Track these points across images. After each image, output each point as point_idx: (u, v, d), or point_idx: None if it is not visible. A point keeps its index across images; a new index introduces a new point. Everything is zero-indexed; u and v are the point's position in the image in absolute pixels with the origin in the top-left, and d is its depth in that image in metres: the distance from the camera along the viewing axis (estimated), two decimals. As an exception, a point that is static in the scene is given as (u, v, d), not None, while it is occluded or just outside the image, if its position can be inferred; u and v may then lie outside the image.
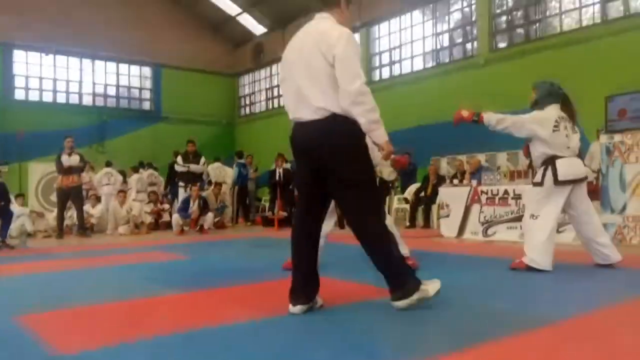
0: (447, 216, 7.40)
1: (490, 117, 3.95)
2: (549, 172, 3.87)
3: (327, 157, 2.55)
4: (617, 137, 5.92)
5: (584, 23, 10.59)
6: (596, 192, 6.62)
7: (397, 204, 10.36)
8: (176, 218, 9.15)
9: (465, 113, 3.98)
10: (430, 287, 2.66)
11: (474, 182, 7.34)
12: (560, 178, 3.83)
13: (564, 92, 4.05)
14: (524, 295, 3.13)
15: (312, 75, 2.55)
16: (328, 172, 2.58)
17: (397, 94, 13.35)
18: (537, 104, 4.03)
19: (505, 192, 6.69)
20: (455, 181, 8.47)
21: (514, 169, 8.29)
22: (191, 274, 4.25)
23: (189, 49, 18.16)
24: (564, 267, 3.94)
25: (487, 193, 6.92)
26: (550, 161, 3.89)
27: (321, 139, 2.55)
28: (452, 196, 7.42)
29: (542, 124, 3.89)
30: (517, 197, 6.52)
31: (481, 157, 10.19)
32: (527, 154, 4.20)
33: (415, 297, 2.59)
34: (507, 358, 1.90)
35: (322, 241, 2.94)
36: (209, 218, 9.24)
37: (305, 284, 2.64)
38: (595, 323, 2.39)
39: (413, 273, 2.66)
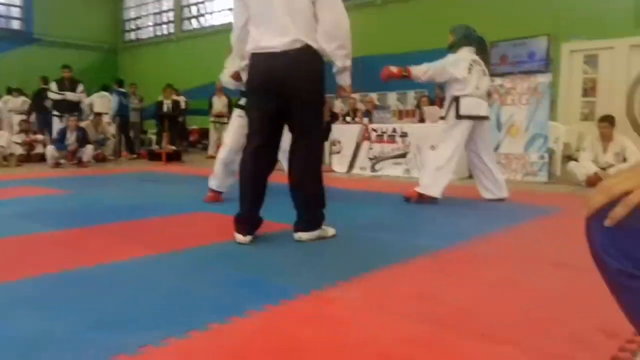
0: (339, 152, 7.56)
1: (417, 70, 4.18)
2: (453, 107, 4.15)
3: (299, 86, 2.62)
4: (498, 81, 6.31)
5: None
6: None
7: (290, 140, 10.35)
8: (51, 150, 8.39)
9: (394, 69, 4.16)
10: (329, 229, 2.81)
11: (366, 120, 7.52)
12: (461, 112, 4.11)
13: (479, 36, 4.27)
14: (409, 227, 3.30)
15: (293, 9, 2.58)
16: (295, 100, 2.63)
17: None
18: (453, 47, 4.23)
19: (394, 130, 6.93)
20: (348, 119, 8.61)
21: (403, 109, 8.59)
22: (73, 211, 3.94)
23: (67, -40, 16.15)
24: (452, 201, 4.21)
25: (377, 131, 7.13)
26: (457, 99, 4.15)
27: (297, 68, 2.60)
28: (344, 133, 7.56)
29: (457, 66, 4.12)
30: (404, 135, 6.80)
31: (373, 96, 10.41)
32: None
33: (317, 232, 2.73)
34: (389, 285, 1.98)
35: None
36: (88, 150, 8.60)
37: (253, 217, 2.74)
38: (468, 252, 2.58)
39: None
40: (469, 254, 2.52)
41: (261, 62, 2.65)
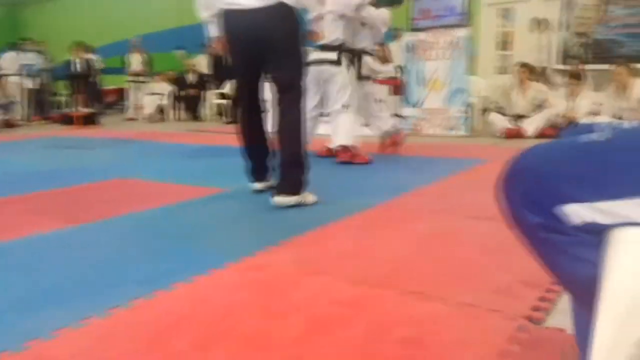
0: (267, 111, 7.40)
1: None
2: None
3: (278, 43, 2.58)
4: (421, 36, 6.36)
5: None
6: (398, 87, 7.18)
7: (215, 99, 10.03)
8: (-52, 116, 7.62)
9: None
10: (310, 196, 2.69)
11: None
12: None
13: None
14: (337, 186, 3.30)
15: None
16: (274, 56, 2.61)
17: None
18: (374, 4, 4.26)
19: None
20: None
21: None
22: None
23: None
24: (376, 158, 4.24)
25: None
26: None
27: (274, 25, 2.56)
28: (269, 93, 7.38)
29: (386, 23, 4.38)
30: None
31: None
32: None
33: (295, 198, 2.61)
34: (320, 246, 1.98)
35: None
36: (-7, 116, 7.90)
37: (264, 169, 2.88)
38: (397, 208, 2.63)
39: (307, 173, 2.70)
40: (396, 210, 2.56)
41: (238, 20, 2.59)
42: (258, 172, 2.87)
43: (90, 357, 1.18)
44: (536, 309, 1.38)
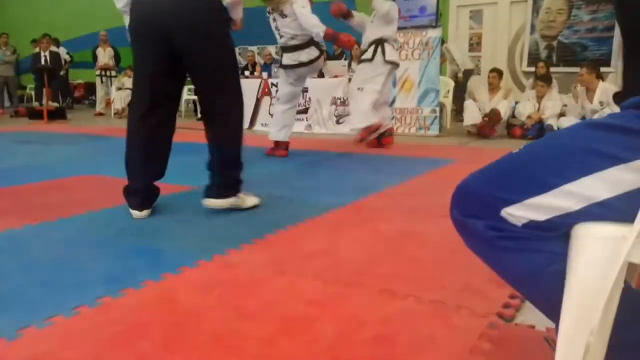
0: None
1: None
2: (380, 51, 4.60)
3: (189, 36, 2.24)
4: (392, 36, 6.39)
5: None
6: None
7: (187, 94, 9.89)
8: None
9: (343, 7, 4.69)
10: (249, 199, 2.55)
11: (265, 75, 7.34)
12: (387, 58, 4.61)
13: None
14: (310, 184, 3.30)
15: None
16: (190, 54, 2.28)
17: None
18: None
19: (294, 84, 6.84)
20: (247, 73, 8.36)
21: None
22: None
23: None
24: (348, 157, 4.27)
25: (276, 85, 6.99)
26: (380, 42, 4.61)
27: (184, 15, 2.22)
28: (243, 88, 7.32)
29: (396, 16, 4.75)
30: (305, 90, 6.74)
31: (271, 49, 10.18)
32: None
33: (231, 200, 2.44)
34: (291, 245, 1.98)
35: None
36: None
37: (148, 187, 2.41)
38: (366, 207, 2.65)
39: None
40: (367, 210, 2.58)
41: (145, 8, 2.27)
42: (142, 192, 2.39)
43: (53, 358, 1.16)
44: (506, 306, 1.41)
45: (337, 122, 6.44)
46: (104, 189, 3.11)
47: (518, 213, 0.73)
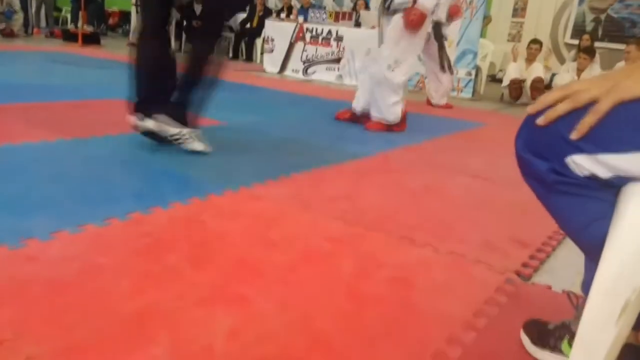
0: (271, 51, 7.27)
1: None
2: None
3: None
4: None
5: None
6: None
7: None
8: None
9: None
10: (198, 143, 2.32)
11: (301, 19, 7.20)
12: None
13: None
14: (338, 133, 3.29)
15: None
16: None
17: None
18: None
19: (329, 32, 6.72)
20: (282, 15, 8.21)
21: (339, 10, 8.30)
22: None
23: None
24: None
25: (311, 31, 6.88)
26: None
27: None
28: (278, 31, 7.23)
29: None
30: (339, 39, 6.62)
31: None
32: None
33: (177, 130, 2.26)
34: (317, 185, 2.00)
35: None
36: (-8, 24, 7.67)
37: (156, 98, 2.27)
38: (393, 159, 2.64)
39: None
40: (393, 162, 2.58)
41: None
42: (147, 101, 2.26)
43: (84, 260, 1.21)
44: (525, 265, 1.42)
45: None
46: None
47: (584, 164, 0.70)
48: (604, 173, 0.70)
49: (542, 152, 0.74)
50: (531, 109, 0.75)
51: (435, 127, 3.83)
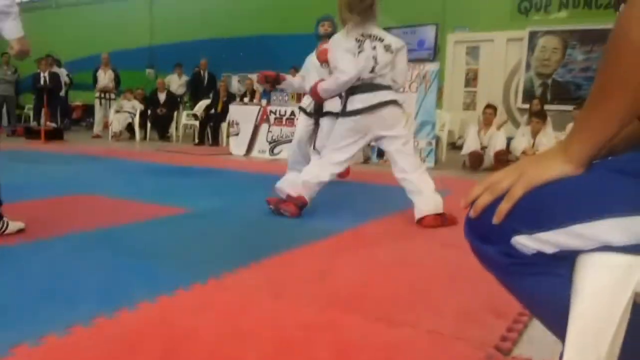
0: (237, 134, 7.40)
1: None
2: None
3: None
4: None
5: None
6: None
7: (185, 119, 9.96)
8: None
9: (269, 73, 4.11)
10: (16, 223, 2.38)
11: (264, 102, 7.42)
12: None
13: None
14: (308, 209, 3.30)
15: None
16: None
17: (189, 2, 12.55)
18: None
19: (292, 112, 6.92)
20: (246, 100, 8.45)
21: (301, 92, 8.59)
22: None
23: None
24: (348, 185, 4.27)
25: (275, 113, 7.07)
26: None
27: None
28: (242, 114, 7.40)
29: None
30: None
31: (270, 77, 10.29)
32: None
33: None
34: (287, 268, 1.97)
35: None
36: (-48, 126, 7.61)
37: None
38: (364, 234, 2.65)
39: None
40: (364, 236, 2.58)
41: None
42: None
43: (46, 376, 1.14)
44: (504, 339, 1.40)
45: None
46: (101, 208, 3.11)
47: (527, 243, 0.74)
48: (548, 249, 0.73)
49: (488, 238, 0.77)
50: (463, 204, 0.80)
51: (401, 197, 3.88)
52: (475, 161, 6.09)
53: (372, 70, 2.91)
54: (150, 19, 13.63)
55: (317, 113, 4.00)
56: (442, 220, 2.87)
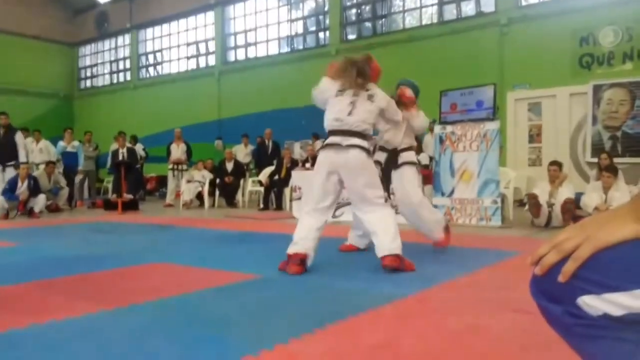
0: (299, 198, 7.57)
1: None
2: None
3: None
4: (449, 128, 6.55)
5: (424, 22, 11.53)
6: (430, 177, 7.30)
7: (251, 186, 10.33)
8: (0, 200, 8.04)
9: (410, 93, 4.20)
10: None
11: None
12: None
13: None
14: (372, 274, 3.30)
15: None
16: None
17: (253, 77, 13.32)
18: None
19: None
20: (308, 165, 8.69)
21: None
22: (19, 264, 3.75)
23: (21, 11, 16.02)
24: (411, 247, 4.24)
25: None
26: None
27: None
28: (304, 179, 7.60)
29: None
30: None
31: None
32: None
33: None
34: (353, 336, 1.97)
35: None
36: (41, 200, 8.28)
37: None
38: (430, 299, 2.61)
39: None
40: (431, 302, 2.54)
41: None
42: None
43: None
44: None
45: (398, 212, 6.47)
46: (171, 276, 3.25)
47: (594, 303, 0.73)
48: (615, 311, 0.72)
49: (554, 297, 0.77)
50: (530, 261, 0.81)
51: (467, 259, 3.80)
52: (534, 206, 5.91)
53: None
54: (218, 94, 14.53)
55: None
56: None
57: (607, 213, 0.78)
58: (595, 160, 7.78)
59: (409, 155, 4.19)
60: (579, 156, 8.91)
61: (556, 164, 6.21)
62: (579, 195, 6.07)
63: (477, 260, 3.73)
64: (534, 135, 9.62)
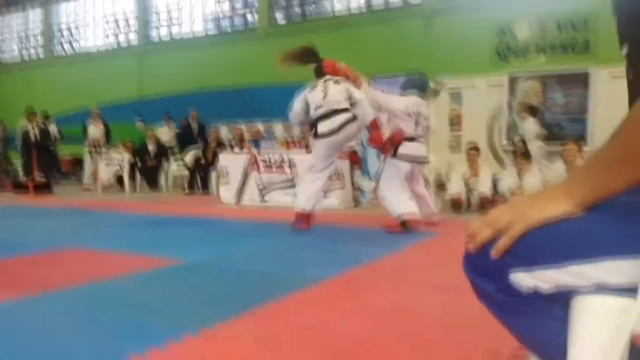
0: (227, 183, 7.43)
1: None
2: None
3: None
4: (376, 114, 6.65)
5: (352, 10, 11.67)
6: (358, 161, 7.41)
7: (176, 168, 10.00)
8: None
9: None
10: None
11: (254, 150, 7.50)
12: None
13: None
14: (299, 257, 3.30)
15: None
16: None
17: (178, 56, 12.86)
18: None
19: (282, 159, 6.99)
20: (236, 148, 8.54)
21: (290, 139, 8.71)
22: None
23: None
24: (336, 230, 4.29)
25: (265, 160, 7.14)
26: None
27: None
28: (231, 163, 7.46)
29: None
30: (293, 165, 6.88)
31: (259, 125, 10.46)
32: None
33: None
34: (280, 318, 1.96)
35: None
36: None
37: None
38: (355, 280, 2.65)
39: None
40: (356, 282, 2.57)
41: None
42: None
43: None
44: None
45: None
46: (90, 262, 3.08)
47: (525, 279, 0.75)
48: (545, 287, 0.74)
49: (487, 273, 0.78)
50: (466, 240, 0.81)
51: (390, 240, 3.89)
52: (457, 206, 6.20)
53: None
54: (140, 73, 13.90)
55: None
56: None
57: (539, 192, 0.81)
58: (511, 147, 8.23)
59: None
60: (496, 142, 9.38)
61: (475, 149, 6.52)
62: (495, 180, 6.40)
63: (400, 240, 3.83)
64: (455, 123, 10.01)
